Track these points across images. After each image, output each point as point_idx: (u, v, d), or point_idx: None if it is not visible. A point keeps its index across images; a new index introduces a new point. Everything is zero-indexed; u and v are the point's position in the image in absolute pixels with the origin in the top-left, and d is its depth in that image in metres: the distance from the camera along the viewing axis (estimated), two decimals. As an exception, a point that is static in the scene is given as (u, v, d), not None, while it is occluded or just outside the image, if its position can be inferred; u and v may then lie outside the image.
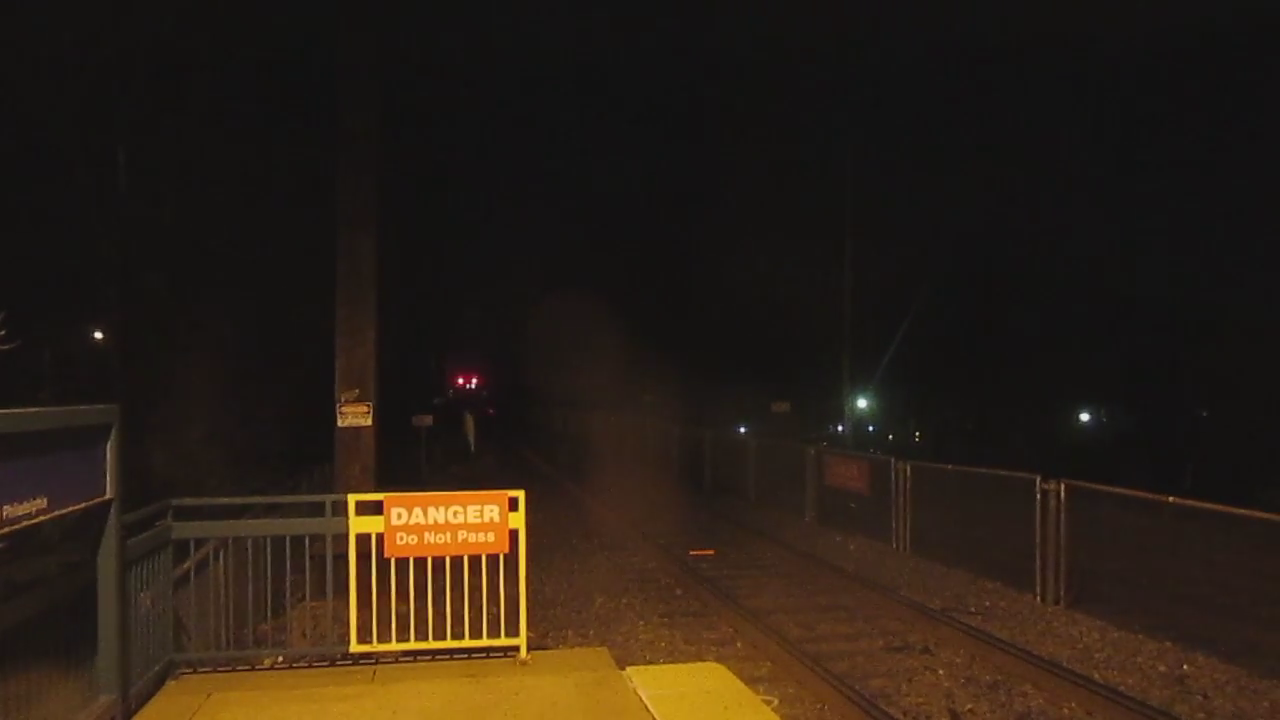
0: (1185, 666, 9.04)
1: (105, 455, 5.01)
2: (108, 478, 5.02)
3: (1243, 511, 9.73)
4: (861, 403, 35.11)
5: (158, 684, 5.85)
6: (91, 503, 4.87)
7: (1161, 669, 9.01)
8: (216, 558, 6.68)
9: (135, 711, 5.42)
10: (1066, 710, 7.99)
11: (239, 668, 6.37)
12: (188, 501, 6.37)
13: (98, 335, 21.16)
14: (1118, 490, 11.38)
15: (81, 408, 4.87)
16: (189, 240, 18.87)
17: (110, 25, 17.28)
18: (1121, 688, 8.38)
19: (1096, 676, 8.70)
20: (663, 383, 39.65)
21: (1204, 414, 39.76)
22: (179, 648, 6.24)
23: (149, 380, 18.08)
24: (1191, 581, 11.79)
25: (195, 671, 6.21)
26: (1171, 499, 10.65)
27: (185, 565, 6.46)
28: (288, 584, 6.42)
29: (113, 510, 5.08)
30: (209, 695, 5.77)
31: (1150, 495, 11.13)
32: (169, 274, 18.82)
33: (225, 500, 7.40)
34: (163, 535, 6.02)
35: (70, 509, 4.62)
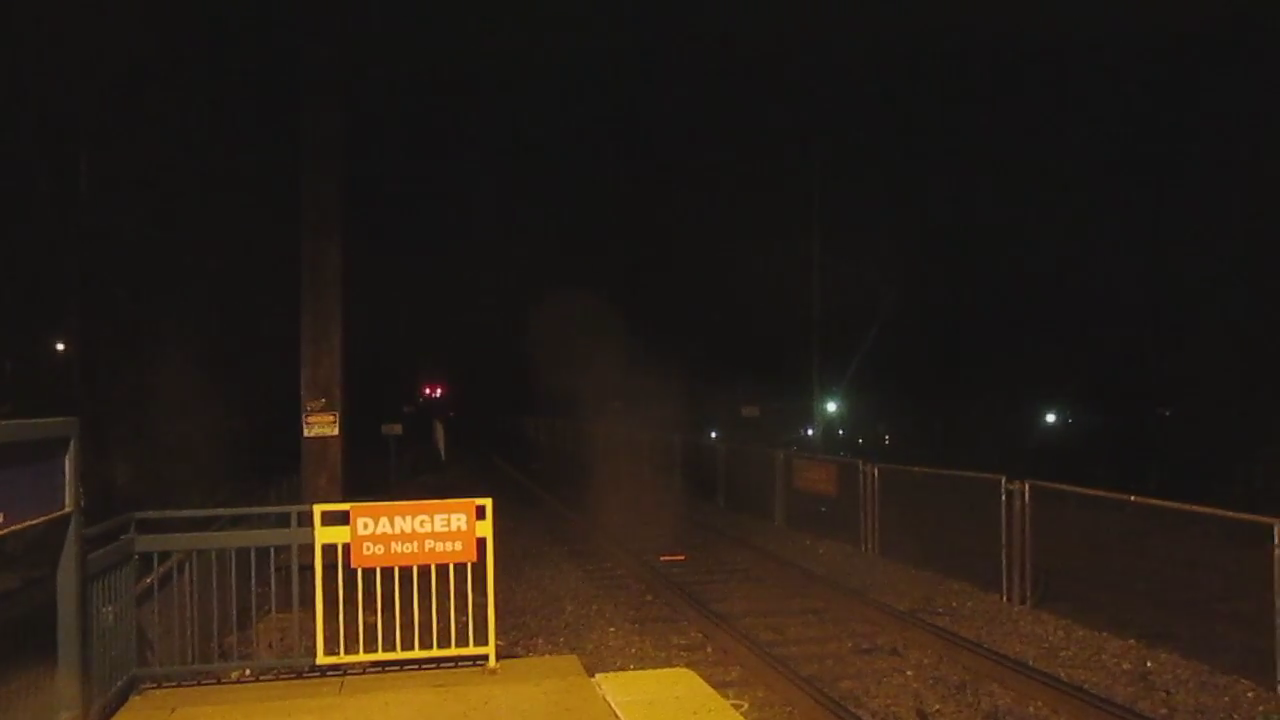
0: (1149, 663, 9.16)
1: (65, 468, 4.95)
2: (67, 491, 4.97)
3: (1202, 509, 9.87)
4: (831, 406, 35.29)
5: (121, 699, 5.78)
6: (51, 516, 4.81)
7: (1126, 666, 9.13)
8: (181, 571, 6.62)
9: (98, 728, 5.36)
10: (1033, 709, 8.08)
11: (204, 681, 6.31)
12: (151, 514, 6.31)
13: (59, 346, 20.90)
14: (1081, 490, 11.51)
15: (40, 420, 4.82)
16: (152, 250, 18.69)
17: (72, 32, 17.10)
18: (1087, 686, 8.48)
19: (1062, 675, 8.79)
20: (631, 388, 39.66)
21: (1166, 413, 40.29)
22: (143, 662, 6.17)
23: (111, 392, 17.88)
24: (1155, 579, 11.95)
25: (160, 686, 6.14)
26: (1133, 498, 10.79)
27: (149, 579, 6.39)
28: (254, 596, 6.36)
29: (72, 524, 5.02)
30: (174, 710, 5.71)
31: (1113, 494, 11.27)
32: (132, 284, 18.63)
33: (190, 512, 7.32)
34: (125, 548, 5.96)
35: (29, 523, 4.56)
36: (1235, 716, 7.88)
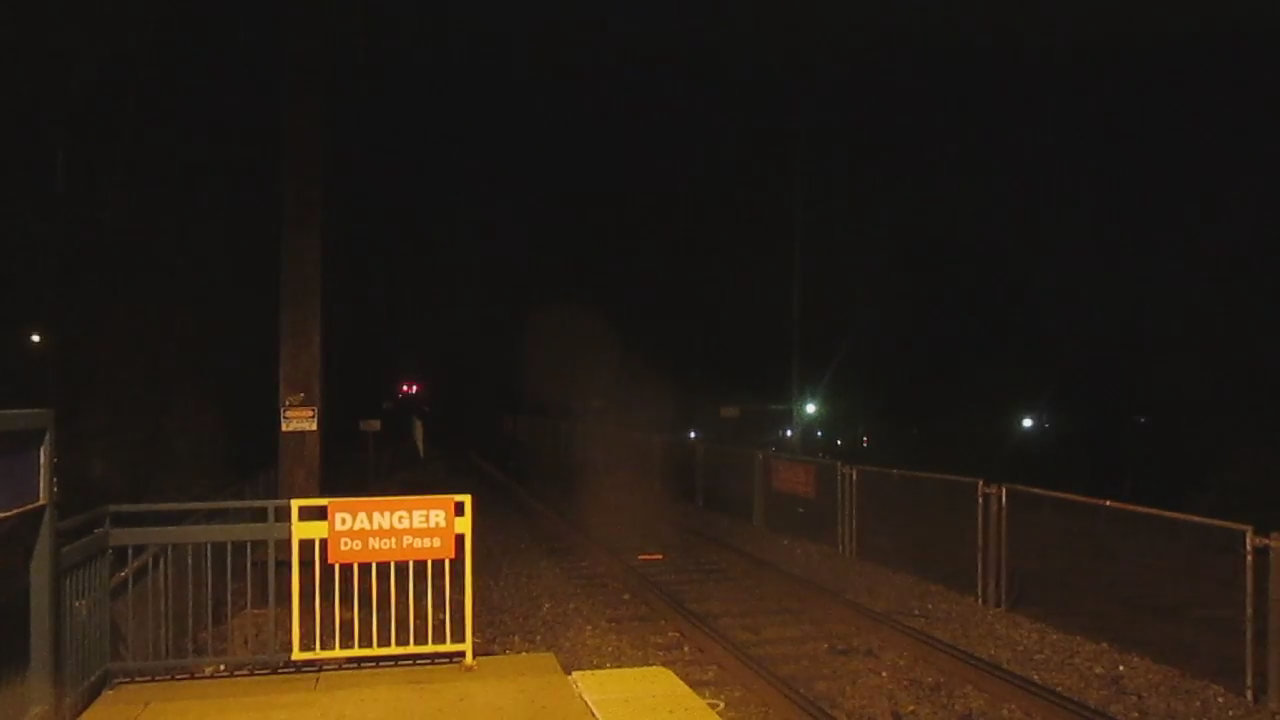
0: (1121, 667, 9.24)
1: (39, 460, 4.91)
2: (41, 483, 4.92)
3: (1176, 515, 9.96)
4: (810, 408, 35.36)
5: (93, 694, 5.73)
6: (24, 509, 4.76)
7: (1098, 670, 9.20)
8: (156, 565, 6.56)
9: (69, 722, 5.31)
10: (1006, 711, 8.13)
11: (178, 677, 6.26)
12: (126, 507, 6.25)
13: (35, 338, 20.69)
14: (1057, 494, 11.59)
15: (14, 411, 4.76)
16: (130, 242, 18.53)
17: (49, 22, 16.94)
18: (1060, 689, 8.54)
19: (1036, 678, 8.85)
20: (612, 387, 39.67)
21: (1142, 420, 40.63)
22: (116, 657, 6.13)
23: (87, 384, 17.71)
24: (1128, 584, 12.03)
25: (133, 681, 6.10)
26: (1108, 503, 10.86)
27: (123, 573, 6.34)
28: (229, 591, 6.34)
29: (46, 516, 4.97)
30: (147, 705, 5.67)
31: (1088, 499, 11.35)
32: (109, 276, 18.45)
33: (165, 506, 7.27)
34: (100, 542, 5.91)
35: (1, 515, 4.52)
36: (1205, 720, 7.97)
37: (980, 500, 11.99)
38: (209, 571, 6.25)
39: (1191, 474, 26.51)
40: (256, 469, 15.60)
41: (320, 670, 6.32)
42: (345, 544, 6.16)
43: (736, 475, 19.85)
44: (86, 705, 5.60)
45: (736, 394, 37.13)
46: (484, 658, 6.65)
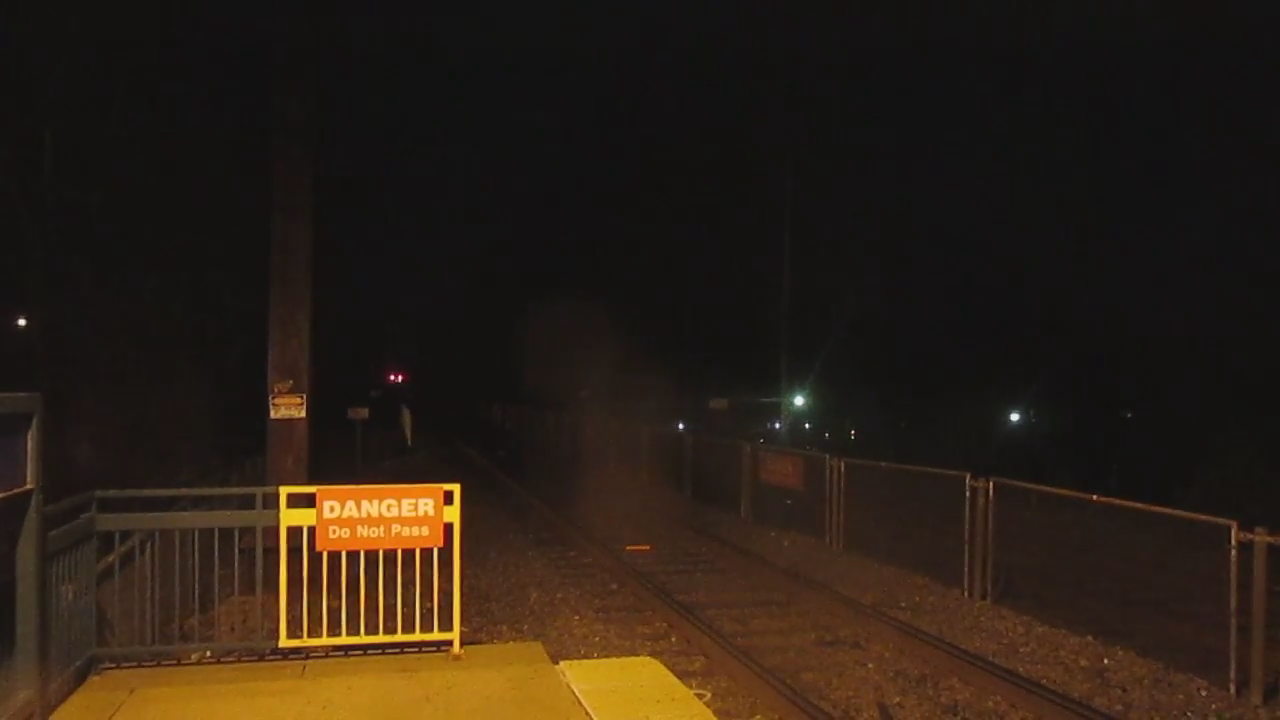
0: (1106, 660, 9.29)
1: (26, 445, 4.87)
2: (28, 468, 4.89)
3: (1161, 509, 10.01)
4: (799, 401, 35.42)
5: (79, 679, 5.71)
6: (11, 493, 4.73)
7: (1083, 663, 9.25)
8: (143, 551, 6.53)
9: (55, 707, 5.29)
10: (991, 703, 8.17)
11: (164, 663, 6.24)
12: (113, 493, 6.22)
13: (21, 322, 20.58)
14: (1043, 488, 11.64)
15: (1, 395, 4.73)
16: (117, 227, 18.42)
17: (37, 5, 16.80)
18: (1045, 681, 8.59)
19: (1021, 670, 8.90)
20: (600, 378, 39.65)
21: (1128, 415, 40.83)
22: (102, 642, 6.10)
23: (74, 369, 17.63)
24: (1113, 577, 12.07)
25: (119, 666, 6.07)
26: (1095, 497, 10.92)
27: (110, 558, 6.31)
28: (216, 578, 6.31)
29: (33, 501, 4.94)
30: (132, 691, 5.65)
31: (1074, 493, 11.40)
32: (96, 261, 18.35)
33: (152, 492, 7.22)
34: (86, 527, 5.88)
35: (-11, 499, 4.49)
36: (1189, 714, 8.02)
37: (967, 494, 12.03)
38: (196, 558, 6.24)
39: (1177, 470, 26.63)
40: (245, 455, 15.56)
41: (307, 658, 6.31)
42: (333, 532, 6.14)
43: (725, 467, 19.87)
44: (72, 690, 5.58)
45: (725, 386, 37.17)
46: (471, 646, 6.65)
